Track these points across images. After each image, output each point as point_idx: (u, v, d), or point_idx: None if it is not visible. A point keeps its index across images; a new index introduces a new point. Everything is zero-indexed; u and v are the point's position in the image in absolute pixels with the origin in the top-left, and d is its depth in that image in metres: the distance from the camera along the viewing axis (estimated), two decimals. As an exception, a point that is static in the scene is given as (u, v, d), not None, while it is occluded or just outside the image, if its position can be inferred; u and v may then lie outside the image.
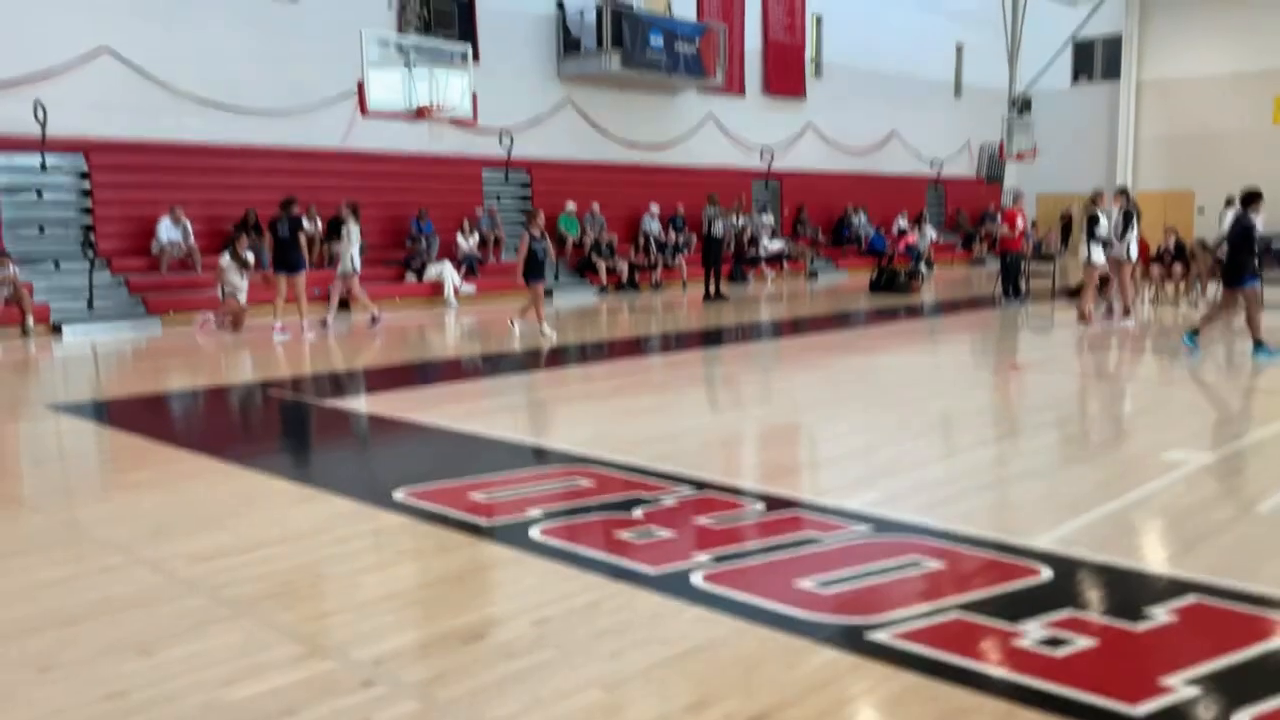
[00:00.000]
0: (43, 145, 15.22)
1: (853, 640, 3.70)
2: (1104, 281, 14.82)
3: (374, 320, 14.71)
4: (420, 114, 15.59)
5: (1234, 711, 3.17)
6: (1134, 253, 14.36)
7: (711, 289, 19.03)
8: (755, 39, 26.50)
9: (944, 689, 3.35)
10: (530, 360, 11.83)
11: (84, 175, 16.09)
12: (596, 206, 21.83)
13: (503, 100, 20.34)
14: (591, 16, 21.91)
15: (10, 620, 3.98)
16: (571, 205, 21.35)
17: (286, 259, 13.77)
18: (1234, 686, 3.35)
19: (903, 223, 27.93)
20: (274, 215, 13.91)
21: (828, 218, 27.67)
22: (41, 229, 15.80)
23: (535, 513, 5.31)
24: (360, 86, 15.05)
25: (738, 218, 22.29)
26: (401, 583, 4.41)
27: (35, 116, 14.89)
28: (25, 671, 3.53)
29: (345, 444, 7.70)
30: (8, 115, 15.22)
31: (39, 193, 15.75)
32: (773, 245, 25.09)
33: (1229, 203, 22.36)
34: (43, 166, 15.51)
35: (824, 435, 7.79)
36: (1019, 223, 18.23)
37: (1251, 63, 30.69)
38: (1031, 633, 3.74)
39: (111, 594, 4.25)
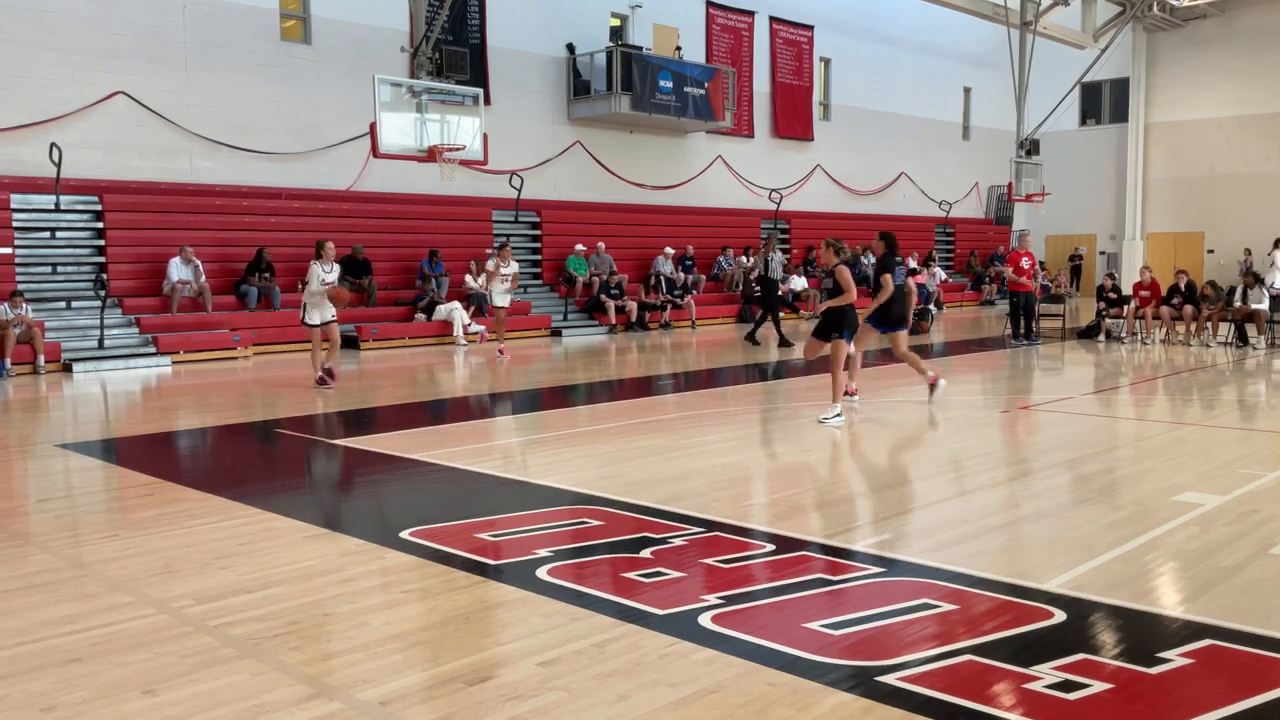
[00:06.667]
0: (57, 186, 15.38)
1: (864, 683, 3.66)
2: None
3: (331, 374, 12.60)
4: (431, 155, 15.71)
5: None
6: None
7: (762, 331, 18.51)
8: (764, 82, 26.75)
9: (956, 733, 3.30)
10: (539, 400, 11.84)
11: (97, 215, 16.25)
12: (602, 246, 21.93)
13: (513, 142, 20.56)
14: (601, 60, 22.16)
15: (14, 659, 3.96)
16: (581, 246, 21.46)
17: (890, 315, 11.11)
18: (1252, 732, 3.30)
19: (912, 263, 27.98)
20: (883, 255, 11.28)
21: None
22: (54, 268, 15.93)
23: (543, 552, 5.28)
24: (372, 129, 15.18)
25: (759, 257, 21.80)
26: (408, 623, 4.38)
27: (51, 158, 15.06)
28: (28, 712, 3.50)
29: (353, 483, 7.68)
30: (25, 157, 15.44)
31: (53, 232, 15.90)
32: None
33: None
34: (57, 207, 15.66)
35: (833, 476, 7.75)
36: (1023, 264, 18.21)
37: (1258, 105, 30.84)
38: (1045, 676, 3.69)
39: (116, 633, 4.22)
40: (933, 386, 10.95)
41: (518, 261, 21.05)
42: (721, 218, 25.48)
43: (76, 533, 5.98)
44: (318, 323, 12.26)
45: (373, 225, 19.10)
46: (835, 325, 9.74)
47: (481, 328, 18.78)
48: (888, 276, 10.79)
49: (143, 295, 16.36)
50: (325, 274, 12.16)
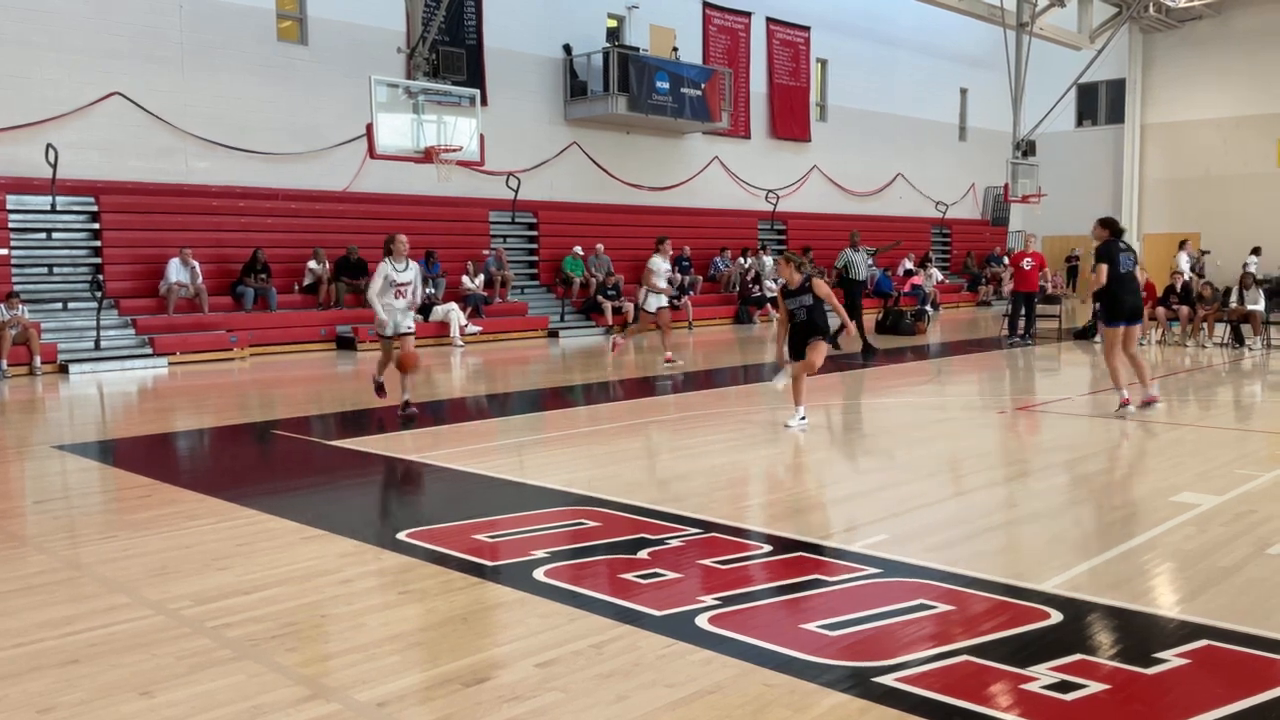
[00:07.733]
0: (53, 187, 15.36)
1: (861, 684, 3.66)
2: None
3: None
4: (428, 155, 15.70)
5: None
6: None
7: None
8: (761, 83, 26.76)
9: (954, 734, 3.30)
10: (535, 401, 11.84)
11: (93, 216, 16.22)
12: (600, 247, 21.91)
13: (510, 143, 20.55)
14: (598, 60, 22.16)
15: (12, 660, 3.95)
16: (578, 248, 21.45)
17: (1123, 308, 9.92)
18: (1248, 732, 3.30)
19: (909, 264, 28.00)
20: (1105, 242, 9.87)
21: (833, 259, 27.72)
22: (50, 269, 15.91)
23: (540, 554, 5.28)
24: (369, 129, 15.18)
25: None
26: (406, 624, 4.38)
27: (46, 159, 15.03)
28: (25, 713, 3.50)
29: (351, 484, 7.67)
30: (20, 158, 15.41)
31: (49, 233, 15.88)
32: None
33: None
34: (53, 208, 15.64)
35: (831, 476, 7.75)
36: (1025, 265, 18.19)
37: (1254, 106, 30.89)
38: (1041, 677, 3.70)
39: (114, 634, 4.22)
40: (1148, 403, 9.92)
41: (513, 263, 21.14)
42: (718, 219, 25.48)
43: (74, 534, 5.97)
44: (390, 334, 10.00)
45: (369, 226, 19.04)
46: (816, 330, 9.29)
47: (478, 328, 18.77)
48: (1102, 267, 9.67)
49: (139, 296, 16.33)
50: (398, 273, 9.84)
